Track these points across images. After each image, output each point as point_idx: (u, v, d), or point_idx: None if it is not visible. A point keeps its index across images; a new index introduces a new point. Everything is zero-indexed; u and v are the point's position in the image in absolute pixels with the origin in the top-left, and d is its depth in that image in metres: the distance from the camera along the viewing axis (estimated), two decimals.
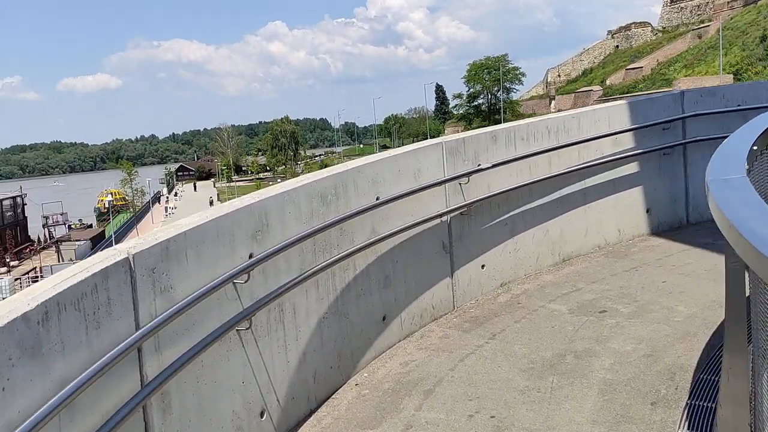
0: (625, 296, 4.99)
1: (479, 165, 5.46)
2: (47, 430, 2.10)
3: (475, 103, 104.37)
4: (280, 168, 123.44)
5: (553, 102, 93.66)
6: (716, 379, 3.48)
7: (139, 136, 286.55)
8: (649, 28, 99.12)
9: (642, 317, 4.52)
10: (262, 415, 3.61)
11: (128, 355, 2.59)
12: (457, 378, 4.04)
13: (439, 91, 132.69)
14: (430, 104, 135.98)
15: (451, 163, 5.29)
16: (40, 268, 44.66)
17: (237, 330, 3.42)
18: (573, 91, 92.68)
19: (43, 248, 61.14)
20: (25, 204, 67.97)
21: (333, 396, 4.08)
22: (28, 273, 45.65)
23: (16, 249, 58.86)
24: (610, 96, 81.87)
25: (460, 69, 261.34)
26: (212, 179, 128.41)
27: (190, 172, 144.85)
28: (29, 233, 67.73)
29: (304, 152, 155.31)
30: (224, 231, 3.40)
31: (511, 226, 5.78)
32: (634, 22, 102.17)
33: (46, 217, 68.98)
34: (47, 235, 67.52)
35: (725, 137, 6.55)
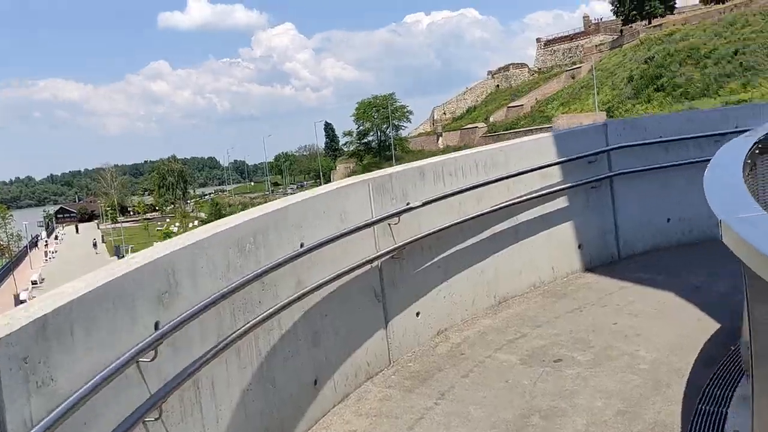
0: (578, 342, 4.64)
1: (408, 203, 4.99)
2: None
3: (365, 140, 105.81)
4: (168, 207, 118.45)
5: (440, 138, 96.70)
6: None
7: (14, 178, 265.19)
8: (527, 69, 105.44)
9: (603, 366, 4.16)
10: None
11: None
12: None
13: (329, 128, 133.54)
14: (320, 142, 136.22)
15: (378, 202, 4.78)
16: None
17: (144, 422, 2.66)
18: (459, 128, 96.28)
19: None
20: None
21: None
22: None
23: None
24: (495, 132, 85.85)
25: (348, 107, 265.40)
26: (95, 221, 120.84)
27: (72, 214, 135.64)
28: None
29: (194, 191, 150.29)
30: (123, 296, 2.65)
31: (445, 268, 5.33)
32: (512, 63, 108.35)
33: None
34: None
35: (649, 169, 6.55)
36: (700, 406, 3.49)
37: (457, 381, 4.24)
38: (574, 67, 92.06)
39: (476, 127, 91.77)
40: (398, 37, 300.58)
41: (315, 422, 4.04)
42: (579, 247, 6.32)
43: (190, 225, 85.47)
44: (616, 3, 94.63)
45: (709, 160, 6.88)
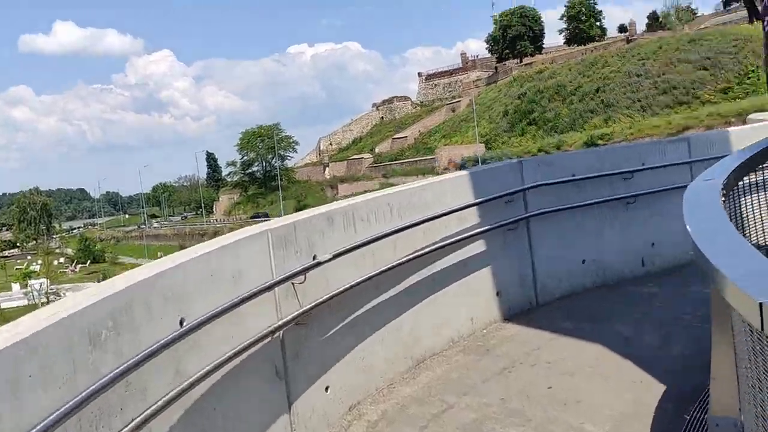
0: (512, 413, 3.98)
1: (315, 257, 4.17)
2: None
3: (250, 170, 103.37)
4: (30, 244, 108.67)
5: (327, 169, 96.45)
6: None
7: None
8: (409, 102, 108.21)
9: None
10: None
11: None
12: None
13: (211, 158, 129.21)
14: (202, 172, 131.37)
15: (280, 258, 3.92)
16: None
17: None
18: (345, 158, 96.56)
19: None
20: None
21: None
22: None
23: None
24: (381, 163, 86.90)
25: (232, 137, 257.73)
26: None
27: None
28: None
29: (59, 225, 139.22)
30: None
31: (357, 330, 4.53)
32: (395, 96, 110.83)
33: None
34: None
35: (563, 209, 6.16)
36: None
37: None
38: (454, 101, 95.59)
39: (362, 157, 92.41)
40: (282, 67, 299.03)
41: None
42: (497, 294, 5.77)
43: (55, 262, 78.57)
44: (490, 42, 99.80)
45: (620, 198, 6.67)
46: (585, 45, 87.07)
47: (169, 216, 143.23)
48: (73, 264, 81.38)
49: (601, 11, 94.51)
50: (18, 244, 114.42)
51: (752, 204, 3.49)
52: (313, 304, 4.07)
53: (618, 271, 6.52)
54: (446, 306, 5.35)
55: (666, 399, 4.00)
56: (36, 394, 2.23)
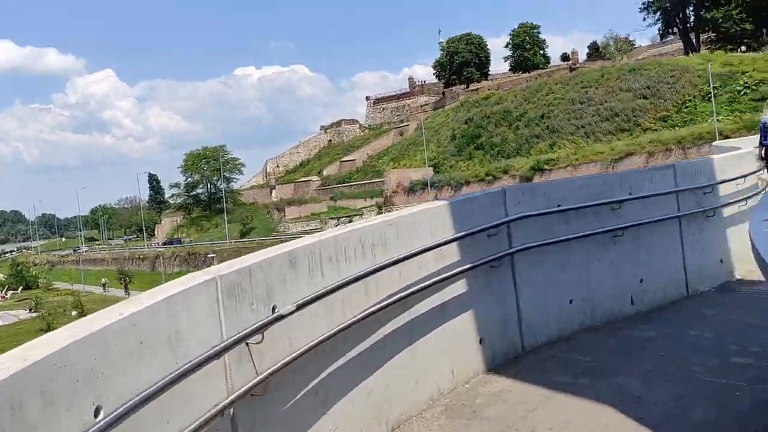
0: None
1: (275, 308, 3.37)
2: None
3: (194, 192, 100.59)
4: None
5: (273, 191, 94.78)
6: None
7: None
8: (358, 125, 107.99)
9: None
10: None
11: None
12: None
13: (153, 180, 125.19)
14: (144, 194, 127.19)
15: (232, 312, 3.12)
16: None
17: None
18: (293, 180, 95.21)
19: None
20: None
21: None
22: None
23: None
24: (329, 185, 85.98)
25: (176, 158, 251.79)
26: None
27: None
28: None
29: None
30: None
31: (324, 394, 3.73)
32: (343, 119, 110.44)
33: None
34: None
35: (550, 243, 5.53)
36: None
37: None
38: (402, 124, 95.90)
39: (310, 180, 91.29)
40: (228, 89, 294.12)
41: None
42: (480, 341, 5.06)
43: None
44: (437, 67, 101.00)
45: (609, 230, 6.11)
46: (529, 72, 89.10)
47: (109, 239, 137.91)
48: (4, 290, 76.75)
49: (544, 40, 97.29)
50: None
51: None
52: (273, 368, 3.26)
53: (607, 311, 5.93)
54: (425, 357, 4.60)
55: None
56: None
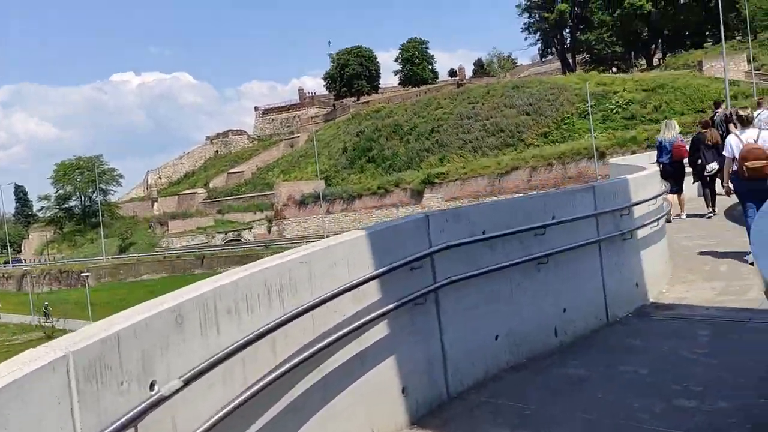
0: None
1: (154, 385, 2.52)
2: None
3: (66, 205, 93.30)
4: None
5: (155, 204, 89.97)
6: None
7: None
8: (246, 136, 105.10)
9: None
10: None
11: None
12: None
13: (20, 192, 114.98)
14: (9, 207, 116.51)
15: (91, 402, 2.24)
16: None
17: None
18: (177, 193, 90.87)
19: None
20: None
21: None
22: None
23: None
24: (216, 198, 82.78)
25: (46, 168, 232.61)
26: None
27: None
28: None
29: None
30: None
31: None
32: (231, 130, 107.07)
33: None
34: None
35: (475, 275, 4.97)
36: None
37: None
38: (293, 136, 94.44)
39: (195, 192, 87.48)
40: (105, 95, 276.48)
41: None
42: (403, 390, 4.39)
43: None
44: (328, 79, 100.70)
45: (533, 258, 5.66)
46: (419, 87, 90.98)
47: None
48: None
49: (433, 55, 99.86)
50: None
51: None
52: None
53: (531, 345, 5.47)
54: (341, 417, 3.86)
55: None
56: None
